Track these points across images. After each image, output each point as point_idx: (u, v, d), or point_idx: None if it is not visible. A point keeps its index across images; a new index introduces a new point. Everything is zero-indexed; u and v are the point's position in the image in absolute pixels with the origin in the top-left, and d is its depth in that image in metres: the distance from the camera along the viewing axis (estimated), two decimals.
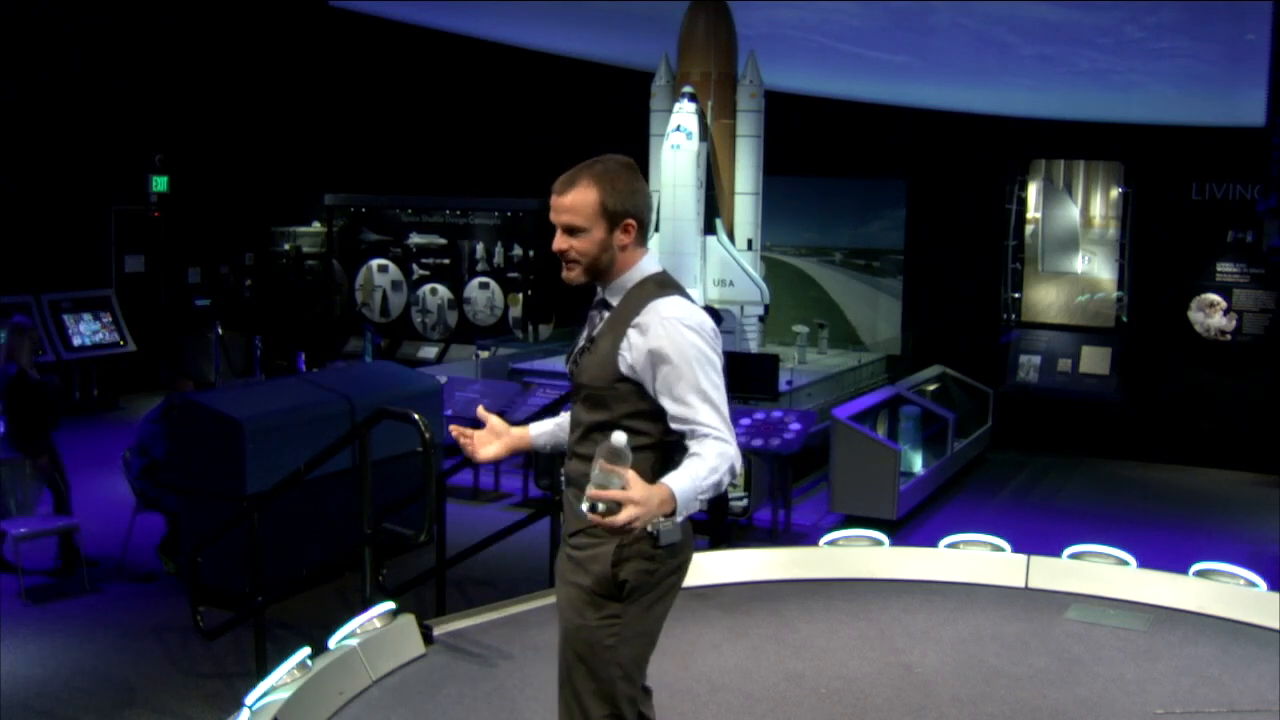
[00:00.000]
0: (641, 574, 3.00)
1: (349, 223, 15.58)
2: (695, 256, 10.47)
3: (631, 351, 2.95)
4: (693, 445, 2.88)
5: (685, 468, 2.82)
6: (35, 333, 7.84)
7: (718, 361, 2.98)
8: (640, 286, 3.04)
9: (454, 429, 3.35)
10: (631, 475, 2.65)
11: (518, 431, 3.39)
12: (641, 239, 3.07)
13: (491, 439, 3.32)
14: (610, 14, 11.64)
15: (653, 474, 2.95)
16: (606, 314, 3.08)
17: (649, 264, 3.09)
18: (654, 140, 10.80)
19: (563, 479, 3.18)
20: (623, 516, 2.61)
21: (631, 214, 3.01)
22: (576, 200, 2.99)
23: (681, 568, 3.10)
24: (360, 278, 15.34)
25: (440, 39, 14.39)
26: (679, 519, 2.79)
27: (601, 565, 3.00)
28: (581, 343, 3.14)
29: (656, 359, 2.92)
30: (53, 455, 7.69)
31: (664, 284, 3.05)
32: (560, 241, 3.04)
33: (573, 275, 3.06)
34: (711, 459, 2.82)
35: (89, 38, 13.33)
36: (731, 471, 2.86)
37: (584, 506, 2.66)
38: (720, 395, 2.93)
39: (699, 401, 2.88)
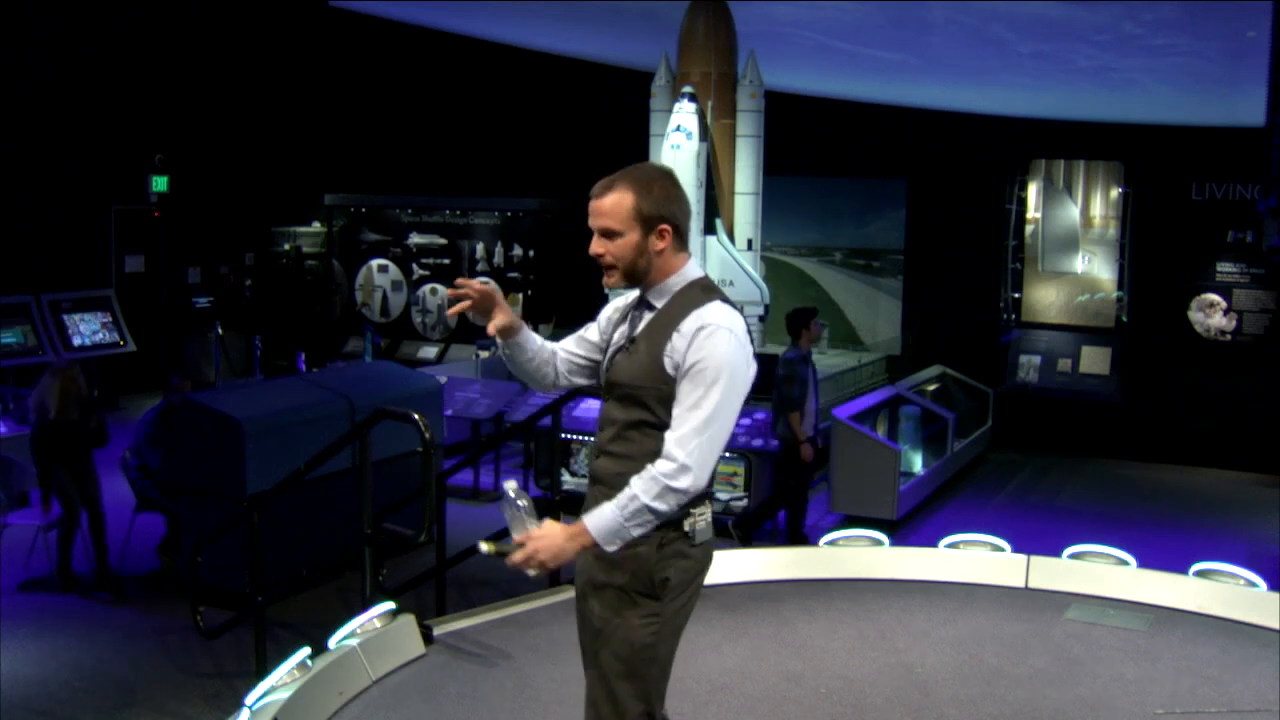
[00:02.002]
0: (680, 571, 3.04)
1: (349, 223, 15.57)
2: (695, 257, 10.46)
3: (674, 355, 2.98)
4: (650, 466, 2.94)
5: (618, 497, 2.93)
6: (68, 373, 7.34)
7: (745, 383, 3.01)
8: (686, 291, 3.07)
9: (458, 283, 3.14)
10: (539, 526, 2.95)
11: (516, 320, 3.22)
12: (680, 244, 3.11)
13: (492, 304, 3.16)
14: (610, 14, 11.63)
15: None
16: (649, 315, 3.10)
17: (692, 269, 3.13)
18: (654, 140, 10.79)
19: (588, 477, 3.23)
20: (518, 556, 2.94)
21: (667, 219, 3.05)
22: (613, 204, 3.03)
23: (707, 565, 3.15)
24: (360, 278, 15.33)
25: (440, 39, 14.39)
26: (609, 549, 2.93)
27: (641, 564, 3.02)
28: (620, 342, 3.15)
29: (689, 364, 2.95)
30: (74, 493, 7.32)
31: (709, 289, 3.09)
32: (596, 245, 3.07)
33: (612, 281, 3.11)
34: (638, 485, 2.90)
35: (89, 38, 13.33)
36: (670, 491, 2.89)
37: (483, 548, 3.08)
38: (722, 418, 2.95)
39: (689, 422, 2.92)
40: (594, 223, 3.07)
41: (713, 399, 2.92)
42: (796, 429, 7.91)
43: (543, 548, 2.90)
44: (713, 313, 3.01)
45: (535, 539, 2.92)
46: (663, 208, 3.05)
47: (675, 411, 2.96)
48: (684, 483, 2.90)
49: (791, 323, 8.13)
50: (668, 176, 3.11)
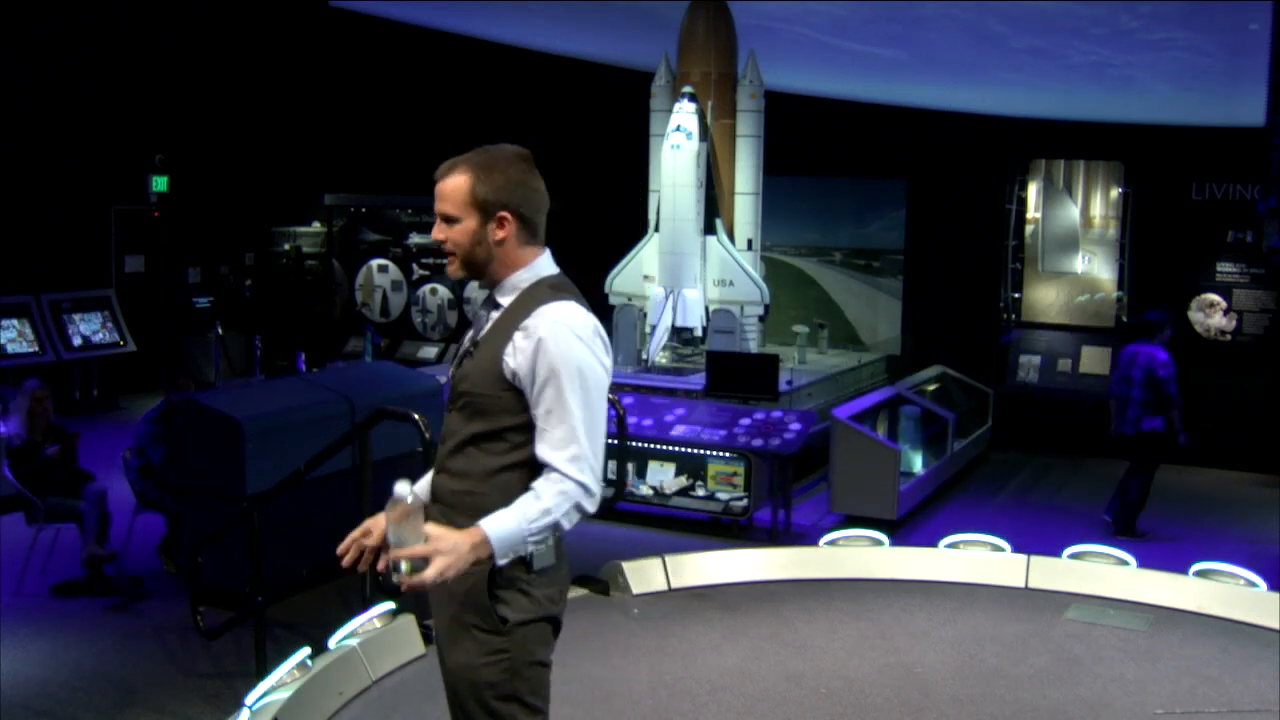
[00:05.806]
0: (519, 610, 2.79)
1: (349, 223, 15.58)
2: (695, 256, 10.47)
3: (515, 357, 2.76)
4: (540, 479, 2.72)
5: (516, 506, 2.68)
6: (34, 394, 7.46)
7: (604, 378, 2.80)
8: (534, 288, 2.86)
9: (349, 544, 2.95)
10: (433, 528, 2.59)
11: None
12: (528, 235, 2.88)
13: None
14: (610, 14, 11.64)
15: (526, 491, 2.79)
16: (495, 315, 2.89)
17: (544, 265, 2.91)
18: (654, 140, 10.80)
19: (430, 495, 2.96)
20: (430, 573, 2.53)
21: (508, 206, 2.82)
22: (451, 188, 2.84)
23: (562, 591, 2.90)
24: (360, 278, 15.34)
25: (440, 39, 14.39)
26: (499, 562, 2.66)
27: (477, 598, 2.78)
28: (465, 345, 2.95)
29: (537, 369, 2.74)
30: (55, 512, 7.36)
31: (558, 287, 2.87)
32: (437, 231, 2.88)
33: (451, 268, 2.92)
34: (549, 498, 2.68)
35: (89, 38, 13.33)
36: (579, 510, 2.71)
37: (401, 577, 2.55)
38: (593, 421, 2.75)
39: (563, 429, 2.71)
40: (436, 206, 2.86)
41: (577, 410, 2.71)
42: (1178, 423, 8.83)
43: (451, 564, 2.55)
44: (560, 311, 2.78)
45: (443, 553, 2.55)
46: (503, 194, 2.81)
47: (537, 419, 2.74)
48: (590, 505, 2.72)
49: (1156, 325, 8.91)
50: (518, 161, 2.87)
